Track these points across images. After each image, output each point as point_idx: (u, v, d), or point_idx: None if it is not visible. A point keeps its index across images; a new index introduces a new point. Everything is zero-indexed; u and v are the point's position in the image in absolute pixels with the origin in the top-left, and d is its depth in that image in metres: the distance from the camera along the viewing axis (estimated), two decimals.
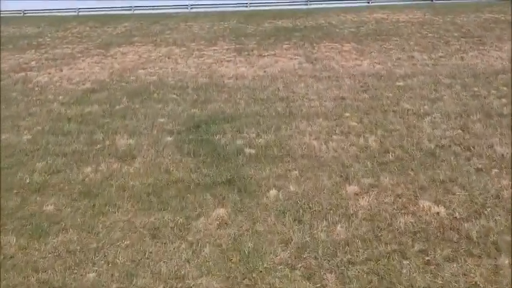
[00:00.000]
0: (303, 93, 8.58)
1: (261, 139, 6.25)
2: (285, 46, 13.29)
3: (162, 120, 7.29)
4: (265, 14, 21.14)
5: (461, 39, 13.05)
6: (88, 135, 6.69)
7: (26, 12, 26.47)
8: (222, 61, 11.67)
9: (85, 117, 7.64)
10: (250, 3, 24.06)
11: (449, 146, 5.87)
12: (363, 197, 4.62)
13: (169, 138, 6.44)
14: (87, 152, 6.09)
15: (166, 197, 4.82)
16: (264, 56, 12.08)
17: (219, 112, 7.63)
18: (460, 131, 6.33)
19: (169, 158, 5.81)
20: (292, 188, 4.85)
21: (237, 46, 13.61)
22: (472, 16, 17.05)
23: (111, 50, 13.75)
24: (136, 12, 24.76)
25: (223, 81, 9.65)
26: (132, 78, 10.28)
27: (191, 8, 24.16)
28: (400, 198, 4.61)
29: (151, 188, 5.03)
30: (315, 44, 13.37)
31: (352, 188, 4.77)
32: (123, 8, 24.94)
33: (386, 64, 10.54)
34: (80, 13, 25.25)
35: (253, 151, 5.89)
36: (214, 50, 13.22)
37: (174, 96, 8.74)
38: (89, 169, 5.59)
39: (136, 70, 11.04)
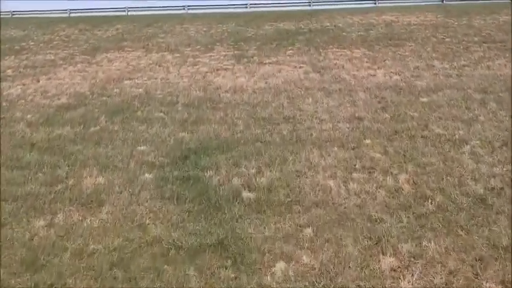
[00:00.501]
0: (312, 111, 7.32)
1: (262, 177, 5.00)
2: (288, 52, 12.03)
3: (142, 148, 6.04)
4: (266, 15, 19.90)
5: (483, 44, 11.78)
6: (50, 170, 5.43)
7: (14, 13, 25.22)
8: (218, 70, 10.42)
9: (52, 142, 6.39)
10: (250, 4, 22.83)
11: (502, 188, 4.63)
12: (403, 275, 3.37)
13: (148, 176, 5.19)
14: (44, 195, 4.84)
15: (135, 271, 3.57)
16: (266, 63, 10.83)
17: (212, 136, 6.38)
18: (510, 166, 5.08)
19: (146, 205, 4.56)
20: (305, 259, 3.60)
21: (236, 52, 12.35)
22: (488, 18, 15.78)
23: (98, 56, 12.50)
24: (130, 13, 23.51)
25: (219, 95, 8.40)
26: (115, 91, 9.03)
27: (188, 10, 22.91)
28: (454, 276, 3.36)
29: (118, 255, 3.78)
30: (321, 50, 12.12)
31: (387, 261, 3.52)
32: (117, 10, 23.70)
33: (403, 74, 9.29)
34: (72, 14, 24.00)
35: (253, 195, 4.64)
36: (211, 56, 11.97)
37: (161, 114, 7.49)
38: (41, 222, 4.34)
39: (121, 81, 9.79)
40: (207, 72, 10.19)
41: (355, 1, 21.97)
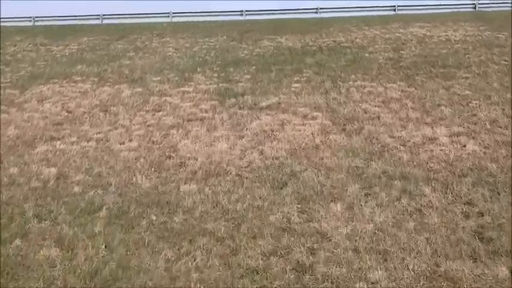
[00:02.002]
0: (345, 244, 3.85)
1: None
2: (294, 85, 8.55)
3: None
4: (264, 26, 16.43)
5: None
6: None
7: None
8: (190, 120, 6.95)
9: None
10: (246, 12, 19.34)
11: None
12: None
13: None
14: None
15: None
16: (262, 108, 7.35)
17: None
18: None
19: None
20: None
21: (222, 85, 8.87)
22: None
23: (28, 92, 8.98)
24: (105, 22, 20.02)
25: (177, 190, 4.90)
26: (10, 171, 5.52)
27: (173, 17, 19.40)
28: None
29: None
30: (340, 82, 8.64)
31: None
32: (90, 17, 20.19)
33: (480, 138, 5.83)
34: (37, 23, 20.49)
35: None
36: (185, 93, 8.47)
37: (53, 251, 4.02)
38: None
39: (35, 144, 6.31)
40: (171, 127, 6.69)
41: (371, 8, 18.48)
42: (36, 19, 20.54)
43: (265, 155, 5.56)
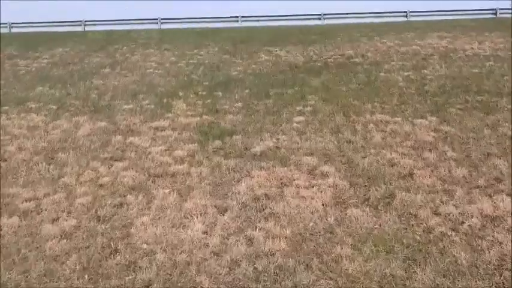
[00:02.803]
0: None
1: None
2: (296, 120, 6.81)
3: None
4: (262, 34, 14.74)
5: None
6: None
7: None
8: (158, 179, 5.17)
9: None
10: (242, 18, 17.59)
11: None
12: None
13: None
14: None
15: None
16: (255, 157, 5.58)
17: None
18: None
19: None
20: None
21: (206, 118, 7.11)
22: None
23: None
24: (88, 29, 18.28)
25: None
26: None
27: (161, 23, 17.65)
28: None
29: None
30: (353, 114, 6.92)
31: None
32: (72, 24, 18.43)
33: None
34: (14, 29, 18.72)
35: None
36: (159, 129, 6.71)
37: None
38: None
39: None
40: (130, 189, 4.90)
41: (380, 13, 16.73)
42: (12, 25, 18.77)
43: (256, 248, 3.79)
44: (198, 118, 7.09)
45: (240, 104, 7.68)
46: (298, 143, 5.95)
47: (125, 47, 13.51)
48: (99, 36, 15.74)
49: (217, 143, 6.04)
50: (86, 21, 18.22)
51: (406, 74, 9.09)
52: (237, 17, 17.55)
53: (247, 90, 8.49)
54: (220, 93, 8.35)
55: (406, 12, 16.62)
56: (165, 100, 8.10)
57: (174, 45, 13.45)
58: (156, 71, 10.46)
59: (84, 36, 16.48)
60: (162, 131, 6.61)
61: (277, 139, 6.11)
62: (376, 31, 14.07)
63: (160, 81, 9.58)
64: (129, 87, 9.12)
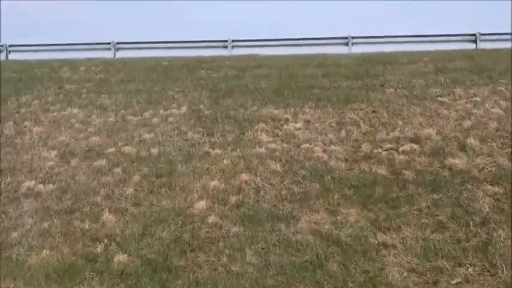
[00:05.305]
0: None
1: None
2: None
3: None
4: (257, 76, 9.32)
5: None
6: None
7: None
8: None
9: None
10: (232, 42, 12.23)
11: None
12: None
13: None
14: None
15: None
16: None
17: None
18: None
19: None
20: None
21: None
22: None
23: None
24: (14, 56, 12.94)
25: None
26: None
27: (117, 48, 12.24)
28: None
29: None
30: None
31: None
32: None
33: None
34: None
35: None
36: None
37: None
38: None
39: None
40: None
41: (445, 36, 11.32)
42: None
43: None
44: None
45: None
46: None
47: (36, 101, 8.21)
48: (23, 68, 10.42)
49: None
50: (9, 45, 12.86)
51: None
52: (226, 41, 12.20)
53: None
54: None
55: (475, 35, 11.11)
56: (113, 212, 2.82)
57: (118, 96, 8.13)
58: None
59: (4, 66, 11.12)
60: None
61: None
62: (447, 73, 8.60)
63: (103, 167, 4.30)
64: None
